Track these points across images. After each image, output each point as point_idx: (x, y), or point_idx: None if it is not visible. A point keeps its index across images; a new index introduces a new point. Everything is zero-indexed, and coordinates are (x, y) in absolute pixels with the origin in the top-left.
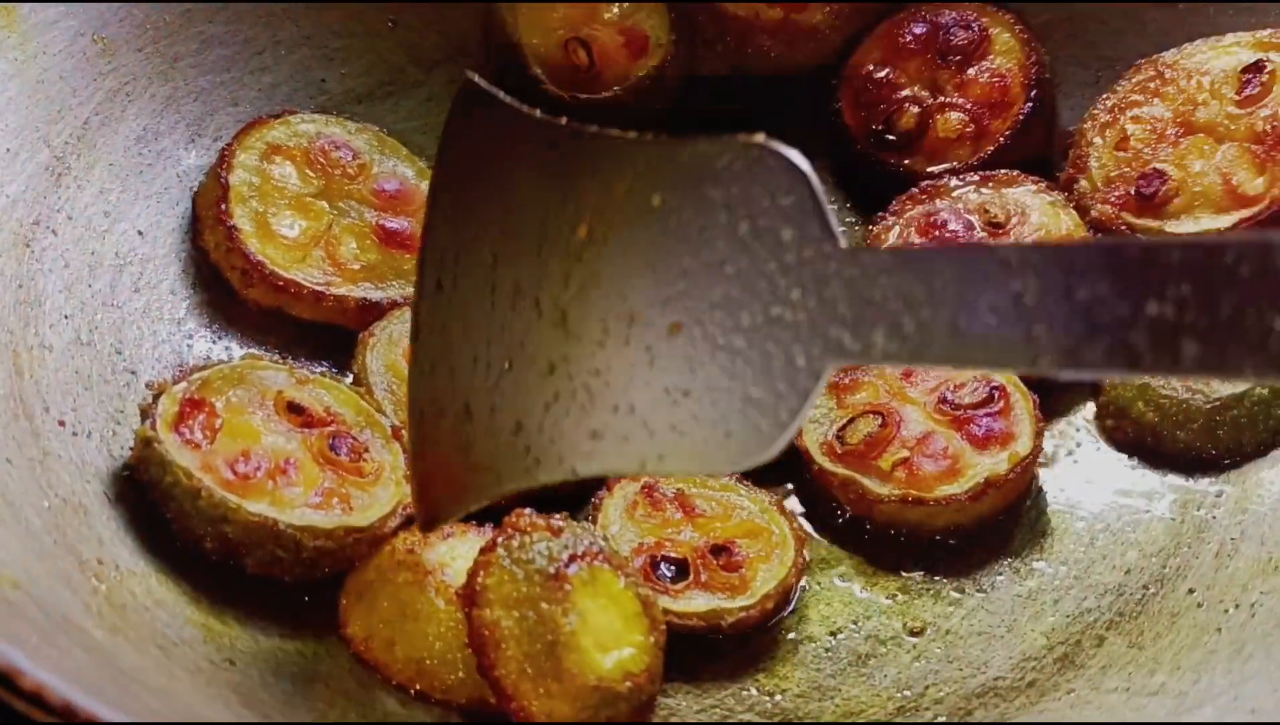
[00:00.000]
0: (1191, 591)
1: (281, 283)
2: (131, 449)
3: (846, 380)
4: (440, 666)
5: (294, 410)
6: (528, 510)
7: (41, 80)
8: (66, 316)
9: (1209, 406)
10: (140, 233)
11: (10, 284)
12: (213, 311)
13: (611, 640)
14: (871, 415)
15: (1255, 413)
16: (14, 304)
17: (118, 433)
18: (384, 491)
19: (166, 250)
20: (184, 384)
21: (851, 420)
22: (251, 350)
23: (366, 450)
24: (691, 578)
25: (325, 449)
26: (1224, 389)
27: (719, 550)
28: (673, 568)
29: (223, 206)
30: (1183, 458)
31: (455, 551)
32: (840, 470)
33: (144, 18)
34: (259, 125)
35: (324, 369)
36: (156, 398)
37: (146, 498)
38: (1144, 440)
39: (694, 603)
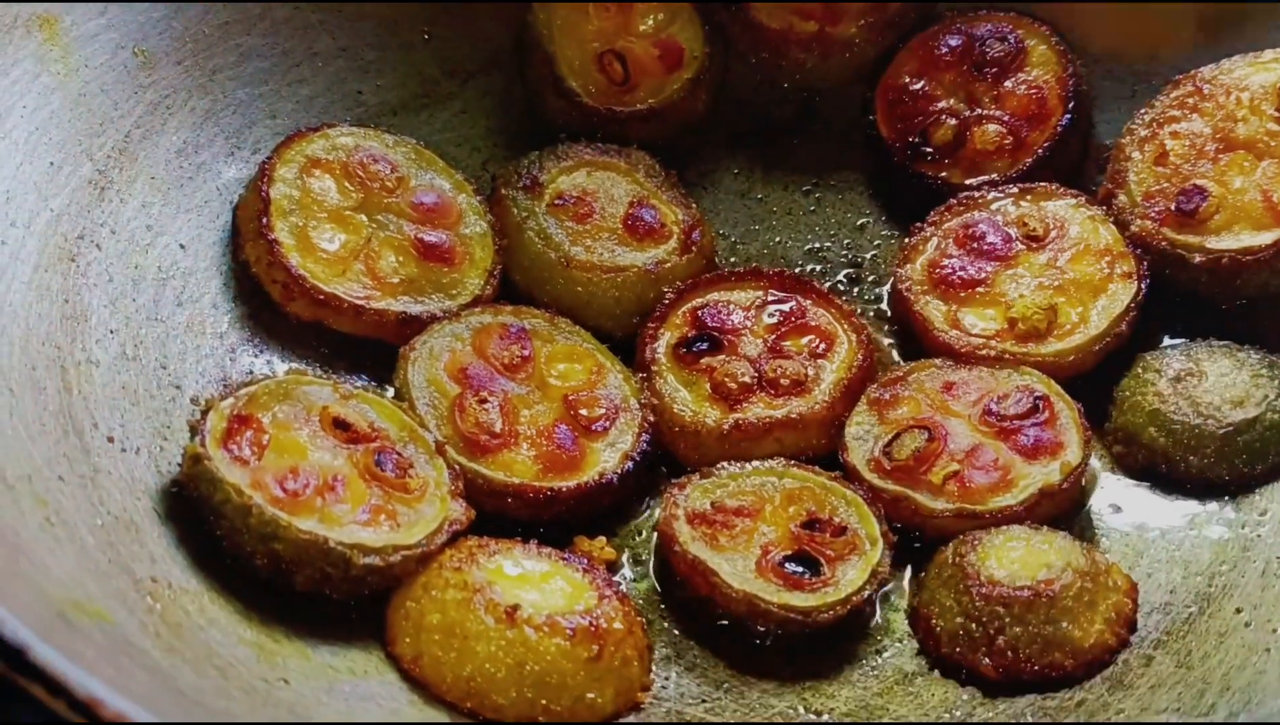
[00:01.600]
0: (1239, 611)
1: (322, 297)
2: (180, 465)
3: (886, 396)
4: (489, 686)
5: (340, 426)
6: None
7: (84, 93)
8: (112, 331)
9: (1221, 432)
10: (182, 246)
11: (57, 299)
12: (255, 325)
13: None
14: (917, 430)
15: (1268, 438)
16: (60, 319)
17: (165, 448)
18: (429, 508)
19: (208, 263)
20: (231, 400)
21: (897, 435)
22: (295, 365)
23: (411, 466)
24: (823, 562)
25: (371, 465)
26: (1236, 414)
27: (810, 524)
28: (798, 563)
29: (264, 220)
30: (1194, 484)
31: (503, 569)
32: (891, 486)
33: (183, 30)
34: (298, 139)
35: (364, 383)
36: (205, 414)
37: (195, 514)
38: (1155, 466)
39: (850, 577)
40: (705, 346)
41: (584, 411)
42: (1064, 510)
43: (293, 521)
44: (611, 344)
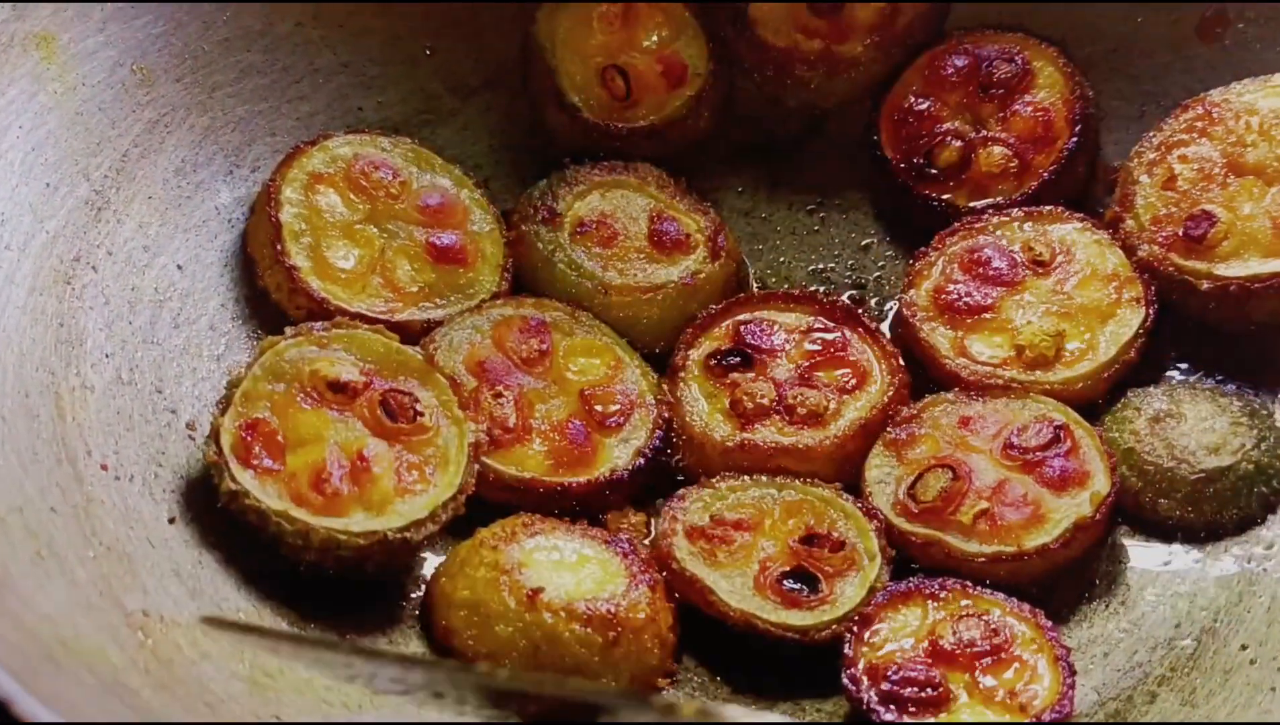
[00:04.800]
0: (1244, 647)
1: (349, 317)
2: (220, 498)
3: (903, 435)
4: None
5: (335, 389)
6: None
7: (81, 112)
8: (108, 355)
9: (1194, 477)
10: (179, 267)
11: (51, 323)
12: (252, 347)
13: None
14: (940, 469)
15: (1239, 487)
16: (55, 343)
17: (159, 475)
18: (449, 435)
19: (205, 285)
20: (230, 411)
21: (920, 476)
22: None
23: (413, 398)
24: (821, 579)
25: (380, 419)
26: (1210, 461)
27: (809, 539)
28: (796, 580)
29: (278, 247)
30: (1161, 527)
31: (540, 550)
32: (920, 530)
33: (183, 47)
34: (296, 155)
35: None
36: (216, 439)
37: (188, 545)
38: (1124, 505)
39: (848, 594)
40: (736, 361)
41: (599, 406)
42: (1097, 542)
43: (348, 526)
44: (655, 357)
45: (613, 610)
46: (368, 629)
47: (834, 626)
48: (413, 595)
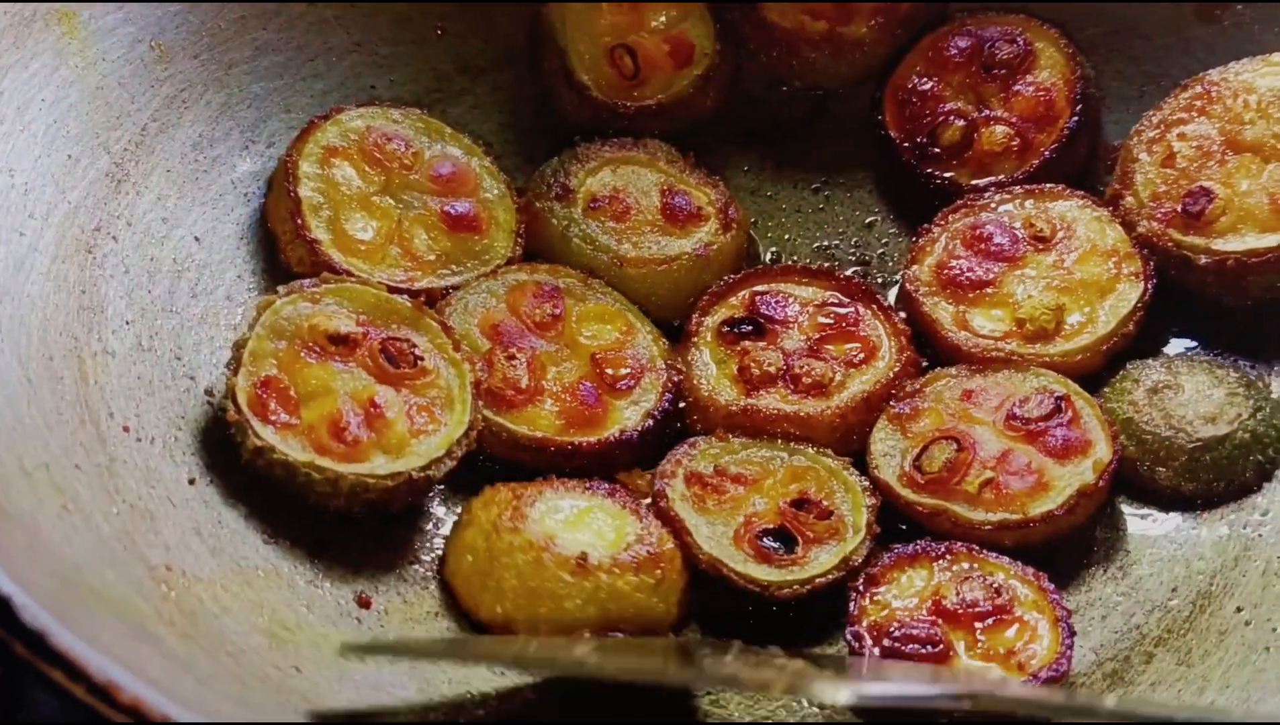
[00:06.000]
0: (1239, 610)
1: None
2: (243, 455)
3: (907, 409)
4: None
5: (336, 341)
6: None
7: (101, 86)
8: (128, 322)
9: (1191, 446)
10: (197, 239)
11: (74, 290)
12: None
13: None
14: (945, 441)
15: (1235, 456)
16: (78, 310)
17: (179, 438)
18: (449, 376)
19: (222, 256)
20: (242, 371)
21: (925, 448)
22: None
23: (411, 343)
24: (800, 541)
25: (382, 365)
26: (1206, 430)
27: (800, 504)
28: (776, 540)
29: (299, 221)
30: (1158, 495)
31: (549, 518)
32: (927, 500)
33: (200, 24)
34: (311, 130)
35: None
36: (234, 399)
37: (208, 505)
38: (1123, 473)
39: (821, 560)
40: (749, 330)
41: (610, 370)
42: (1099, 508)
43: (373, 469)
44: (671, 328)
45: (651, 550)
46: (383, 586)
47: (795, 587)
48: (425, 555)
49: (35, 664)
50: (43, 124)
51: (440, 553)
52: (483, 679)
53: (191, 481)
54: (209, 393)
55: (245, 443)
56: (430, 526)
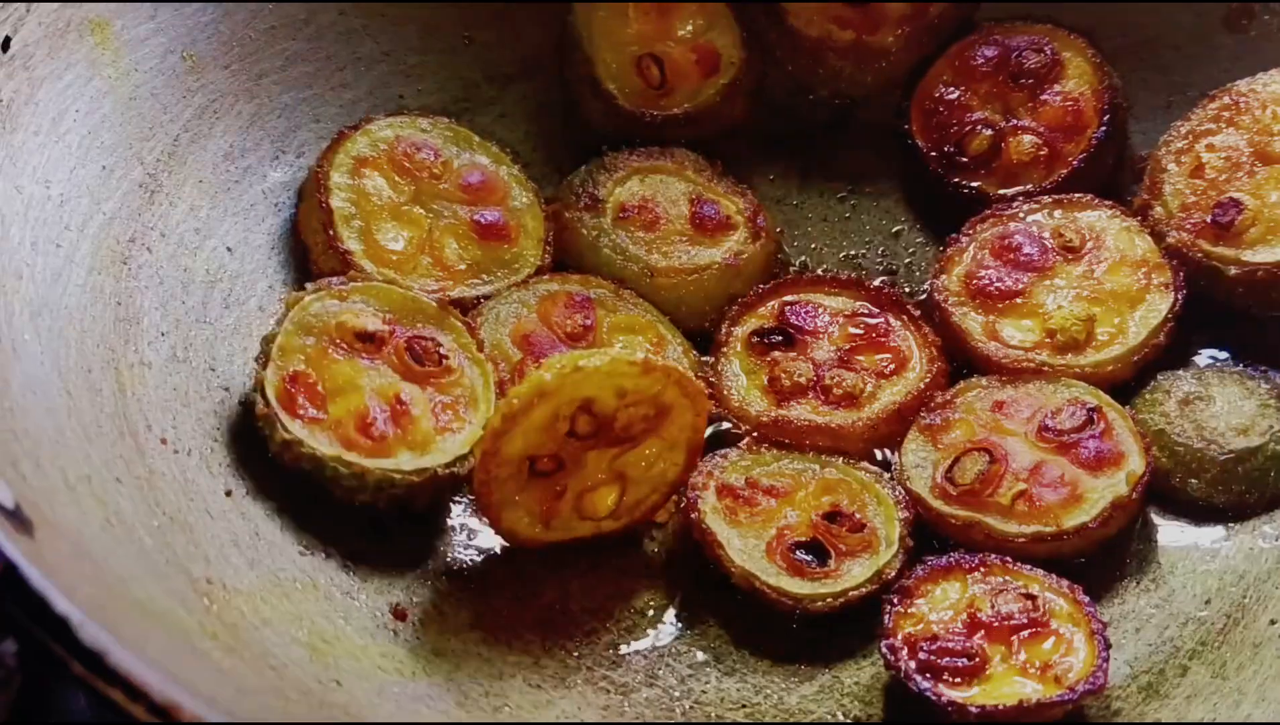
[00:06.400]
0: (1273, 622)
1: None
2: (271, 449)
3: (938, 421)
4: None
5: (363, 338)
6: None
7: (134, 97)
8: (163, 333)
9: (1224, 458)
10: (229, 249)
11: (110, 301)
12: None
13: None
14: (977, 452)
15: (1267, 467)
16: (114, 321)
17: (214, 450)
18: (472, 374)
19: (254, 266)
20: (271, 365)
21: (957, 459)
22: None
23: (435, 342)
24: (833, 554)
25: (407, 363)
26: (1239, 442)
27: (833, 516)
28: (809, 552)
29: (331, 232)
30: (1191, 506)
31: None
32: (960, 512)
33: (230, 34)
34: (341, 140)
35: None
36: (262, 393)
37: (245, 517)
38: (1155, 485)
39: (854, 573)
40: (779, 340)
41: None
42: (1132, 520)
43: (399, 465)
44: (701, 337)
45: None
46: (417, 598)
47: (829, 600)
48: (458, 567)
49: (93, 683)
50: (77, 135)
51: (474, 563)
52: (519, 691)
53: (228, 493)
54: (243, 404)
55: (273, 436)
56: (464, 537)
